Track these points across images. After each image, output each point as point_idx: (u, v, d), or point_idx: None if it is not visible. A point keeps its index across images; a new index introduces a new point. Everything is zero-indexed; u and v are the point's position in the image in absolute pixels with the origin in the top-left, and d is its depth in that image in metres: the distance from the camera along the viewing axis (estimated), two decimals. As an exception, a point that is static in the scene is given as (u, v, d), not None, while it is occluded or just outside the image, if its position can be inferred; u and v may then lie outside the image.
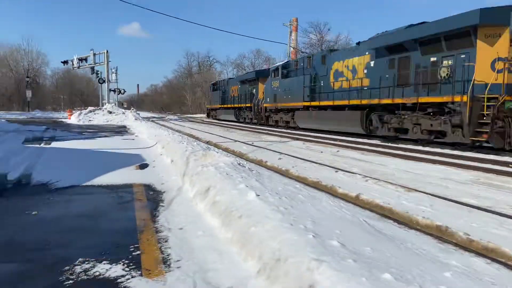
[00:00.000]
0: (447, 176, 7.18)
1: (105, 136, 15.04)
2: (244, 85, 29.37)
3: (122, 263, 2.98)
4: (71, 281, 2.67)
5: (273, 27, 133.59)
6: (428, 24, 12.44)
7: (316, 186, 6.11)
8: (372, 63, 14.93)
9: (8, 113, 41.23)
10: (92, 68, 36.44)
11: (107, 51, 34.90)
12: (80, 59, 36.33)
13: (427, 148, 11.40)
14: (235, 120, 31.35)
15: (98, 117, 29.72)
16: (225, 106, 34.23)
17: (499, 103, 10.24)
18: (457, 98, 11.14)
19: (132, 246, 3.34)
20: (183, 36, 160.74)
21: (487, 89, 10.28)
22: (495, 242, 3.57)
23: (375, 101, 14.52)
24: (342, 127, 16.69)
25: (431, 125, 12.20)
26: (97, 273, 2.80)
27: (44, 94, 70.97)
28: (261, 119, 25.77)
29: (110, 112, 31.27)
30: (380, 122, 14.50)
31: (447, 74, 11.55)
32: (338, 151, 11.11)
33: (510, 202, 5.15)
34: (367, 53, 15.22)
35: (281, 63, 23.83)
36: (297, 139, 15.10)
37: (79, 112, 32.00)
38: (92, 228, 3.89)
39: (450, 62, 11.65)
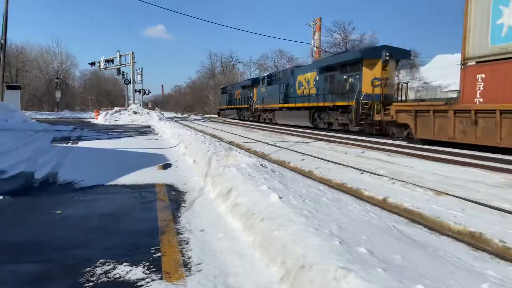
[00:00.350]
0: (477, 179, 6.87)
1: (130, 136, 15.26)
2: (244, 90, 35.46)
3: (142, 265, 2.94)
4: (91, 283, 2.64)
5: (297, 27, 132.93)
6: (343, 54, 20.19)
7: (341, 188, 5.94)
8: (317, 78, 21.01)
9: (38, 113, 42.55)
10: (118, 69, 37.12)
11: (132, 53, 35.49)
12: (107, 61, 37.07)
13: (456, 150, 10.99)
14: (238, 118, 37.85)
15: (124, 117, 30.25)
16: (231, 107, 40.96)
17: (369, 106, 16.34)
18: (351, 103, 17.33)
19: (153, 248, 3.30)
20: (207, 37, 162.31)
21: (362, 97, 16.65)
22: (534, 251, 3.34)
23: (315, 104, 20.82)
24: (299, 122, 23.02)
25: (342, 119, 18.70)
26: (117, 276, 2.76)
27: (73, 94, 72.98)
28: (254, 117, 32.16)
29: (135, 113, 31.76)
30: (319, 118, 21.08)
31: (349, 87, 17.80)
32: (362, 152, 10.85)
33: (549, 208, 4.85)
34: (315, 70, 21.38)
35: (267, 73, 31.78)
36: (320, 139, 14.89)
37: (105, 112, 32.67)
38: (114, 228, 3.88)
39: (351, 79, 17.86)
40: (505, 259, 3.27)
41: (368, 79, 16.83)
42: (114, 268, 2.88)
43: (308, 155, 9.97)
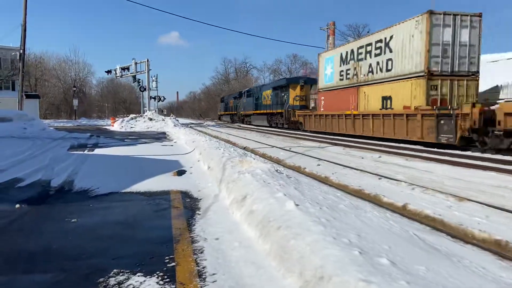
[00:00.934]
0: (501, 184, 6.63)
1: (145, 143, 15.35)
2: (235, 100, 45.79)
3: (156, 276, 2.87)
4: (104, 294, 2.59)
5: (310, 32, 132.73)
6: (281, 80, 32.73)
7: (359, 194, 5.80)
8: (271, 94, 31.18)
9: (56, 121, 43.36)
10: (134, 77, 37.63)
11: (147, 60, 35.93)
12: (123, 68, 37.63)
13: (476, 154, 10.70)
14: (231, 121, 48.16)
15: (140, 124, 30.55)
16: (226, 113, 51.39)
17: (291, 112, 26.55)
18: (283, 110, 28.07)
19: (167, 257, 3.24)
20: (221, 43, 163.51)
21: (287, 106, 27.20)
22: None
23: (269, 111, 31.35)
24: (262, 123, 33.43)
25: (280, 121, 29.21)
26: (131, 286, 2.70)
27: (90, 102, 74.19)
28: (240, 121, 42.88)
29: (151, 119, 32.05)
30: (271, 121, 31.34)
31: (284, 100, 28.17)
32: (380, 156, 10.66)
33: None
34: (270, 88, 31.86)
35: (247, 89, 42.69)
36: (336, 144, 14.71)
37: (121, 119, 33.09)
38: (128, 236, 3.84)
39: (285, 96, 28.09)
40: (534, 269, 3.10)
41: (292, 96, 27.21)
42: (128, 279, 2.82)
43: (324, 160, 9.84)
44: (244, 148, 12.86)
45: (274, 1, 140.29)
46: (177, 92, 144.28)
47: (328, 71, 21.57)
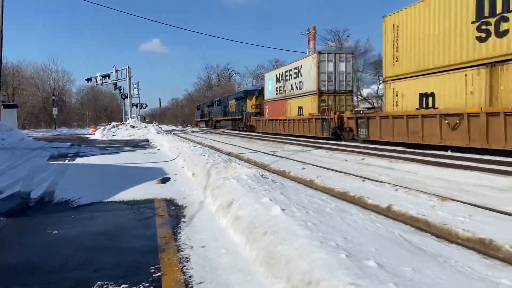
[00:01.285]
0: (483, 183, 6.76)
1: (128, 151, 15.12)
2: (209, 108, 51.97)
3: (142, 287, 2.81)
4: (88, 308, 2.51)
5: (292, 36, 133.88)
6: (242, 92, 39.36)
7: (344, 197, 5.83)
8: (235, 103, 37.30)
9: (35, 131, 42.31)
10: (115, 84, 37.10)
11: (128, 67, 35.47)
12: (103, 76, 37.07)
13: (456, 154, 10.90)
14: (206, 127, 54.16)
15: (122, 132, 30.12)
16: (202, 119, 58.12)
17: (249, 118, 33.14)
18: (242, 117, 34.88)
19: (153, 267, 3.17)
20: (203, 49, 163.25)
21: (245, 113, 33.93)
22: (548, 256, 3.23)
23: (233, 117, 38.20)
24: (228, 127, 39.95)
25: (240, 125, 35.54)
26: (116, 299, 2.63)
27: (70, 111, 72.75)
28: (213, 126, 48.46)
29: (133, 127, 31.64)
30: (236, 125, 37.50)
31: (244, 108, 34.36)
32: (363, 159, 10.76)
33: (558, 211, 4.74)
34: (234, 99, 38.02)
35: (217, 98, 48.65)
36: (320, 147, 14.79)
37: (103, 127, 32.53)
38: (112, 247, 3.75)
39: (244, 105, 34.29)
40: (518, 266, 3.16)
41: (250, 105, 33.01)
42: (112, 291, 2.75)
43: (308, 163, 9.87)
44: (229, 154, 12.81)
45: (256, 6, 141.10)
46: (159, 99, 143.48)
47: (270, 87, 29.06)
